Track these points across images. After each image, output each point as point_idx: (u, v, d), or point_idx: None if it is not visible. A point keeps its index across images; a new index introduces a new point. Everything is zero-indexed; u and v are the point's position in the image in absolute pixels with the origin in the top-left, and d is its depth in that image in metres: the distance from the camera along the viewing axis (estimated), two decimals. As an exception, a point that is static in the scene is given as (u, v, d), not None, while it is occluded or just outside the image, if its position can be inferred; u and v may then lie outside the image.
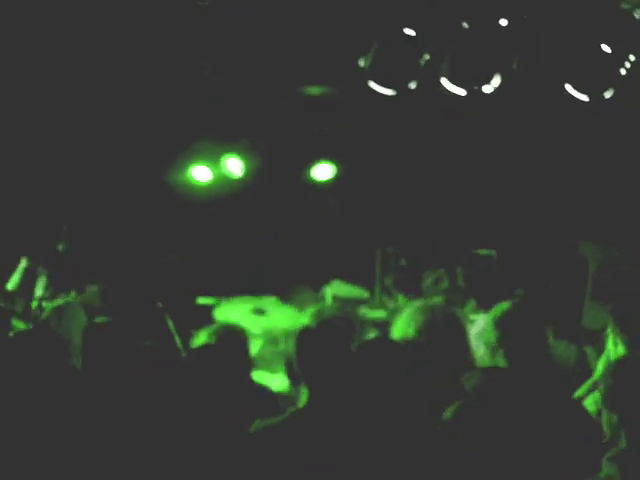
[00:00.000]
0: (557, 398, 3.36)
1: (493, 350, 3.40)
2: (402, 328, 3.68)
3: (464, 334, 3.67)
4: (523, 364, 3.34)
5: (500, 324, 3.42)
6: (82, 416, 3.63)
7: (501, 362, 3.37)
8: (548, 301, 6.21)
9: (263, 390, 4.18)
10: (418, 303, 3.84)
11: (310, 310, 4.55)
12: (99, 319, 4.26)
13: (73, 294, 5.06)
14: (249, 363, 4.31)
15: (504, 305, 3.53)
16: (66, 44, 5.94)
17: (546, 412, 3.23)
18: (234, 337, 4.20)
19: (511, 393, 3.27)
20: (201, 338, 4.24)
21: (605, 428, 2.58)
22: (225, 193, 7.71)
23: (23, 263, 5.20)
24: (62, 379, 4.00)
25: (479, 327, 3.81)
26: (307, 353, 3.35)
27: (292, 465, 3.02)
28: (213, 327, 4.40)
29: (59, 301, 4.69)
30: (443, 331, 3.60)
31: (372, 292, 8.04)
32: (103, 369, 3.84)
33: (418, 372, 3.19)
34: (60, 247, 5.42)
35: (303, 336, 3.43)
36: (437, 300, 6.45)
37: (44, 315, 4.68)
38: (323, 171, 7.81)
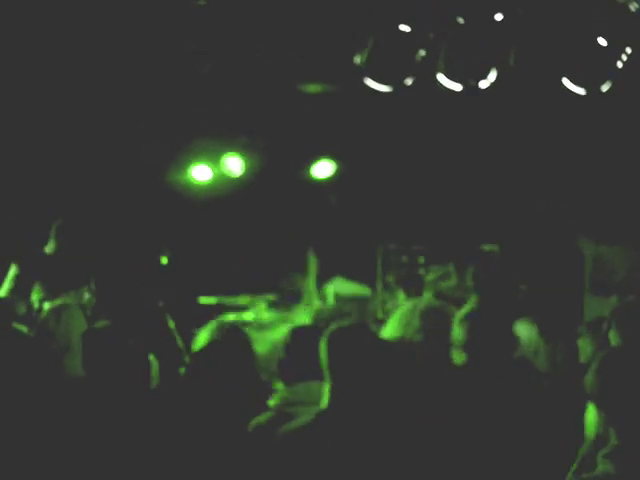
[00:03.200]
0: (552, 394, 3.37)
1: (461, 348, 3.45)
2: (397, 328, 3.69)
3: None
4: (495, 362, 3.37)
5: (465, 323, 3.46)
6: (83, 420, 3.64)
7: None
8: (548, 294, 6.19)
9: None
10: (410, 304, 3.85)
11: (309, 310, 4.55)
12: (99, 323, 4.26)
13: (72, 294, 5.04)
14: (252, 359, 4.27)
15: (470, 303, 3.56)
16: (63, 43, 5.94)
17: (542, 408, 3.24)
18: (237, 334, 4.18)
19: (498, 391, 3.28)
20: (203, 336, 4.22)
21: (591, 423, 2.55)
22: (225, 192, 7.70)
23: (13, 270, 5.15)
24: (59, 383, 4.02)
25: None
26: (295, 354, 3.34)
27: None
28: (214, 324, 4.35)
29: (57, 302, 4.69)
30: (437, 332, 3.62)
31: (374, 289, 8.04)
32: (103, 374, 3.85)
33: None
34: (49, 249, 5.38)
35: (294, 336, 3.43)
36: (428, 297, 6.41)
37: (42, 316, 4.69)
38: (323, 169, 7.79)
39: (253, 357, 3.94)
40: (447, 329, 3.63)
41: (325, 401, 3.05)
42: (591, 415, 2.58)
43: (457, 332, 3.44)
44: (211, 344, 3.94)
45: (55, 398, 3.89)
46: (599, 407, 2.51)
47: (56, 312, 4.58)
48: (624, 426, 2.41)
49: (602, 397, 2.48)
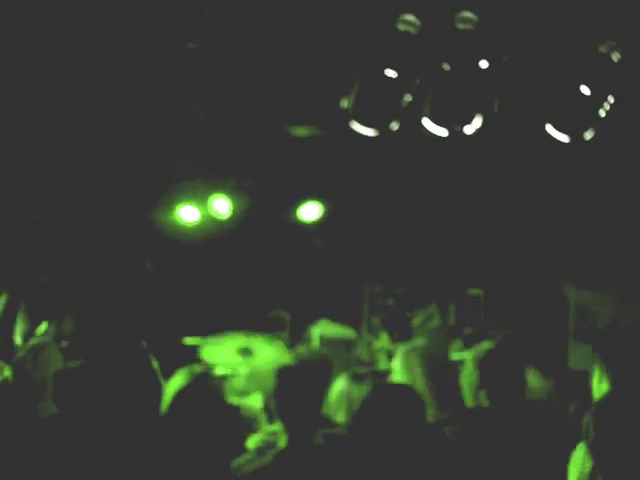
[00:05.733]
0: (535, 439, 3.36)
1: (476, 390, 3.44)
2: (403, 373, 3.82)
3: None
4: (504, 404, 3.32)
5: (481, 364, 3.41)
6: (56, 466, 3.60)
7: (484, 402, 3.38)
8: (533, 341, 6.19)
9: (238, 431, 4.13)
10: (410, 347, 3.95)
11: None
12: (73, 363, 4.21)
13: (49, 329, 4.98)
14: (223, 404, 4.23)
15: (485, 345, 3.54)
16: (52, 84, 5.98)
17: (524, 454, 3.22)
18: (206, 380, 4.14)
19: (493, 434, 3.27)
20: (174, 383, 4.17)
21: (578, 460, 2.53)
22: (212, 233, 7.70)
23: (2, 299, 5.13)
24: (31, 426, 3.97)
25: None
26: (284, 392, 3.37)
27: None
28: (187, 369, 4.32)
29: (34, 340, 4.64)
30: (444, 377, 3.72)
31: (359, 332, 8.02)
32: (76, 415, 3.80)
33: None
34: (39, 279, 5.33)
35: (281, 376, 3.45)
36: (422, 341, 6.43)
37: (20, 354, 4.65)
38: (310, 211, 7.81)
39: (223, 402, 3.92)
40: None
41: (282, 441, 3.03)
42: (580, 453, 2.56)
43: (472, 374, 3.45)
44: (179, 392, 3.91)
45: (28, 441, 3.83)
46: (591, 451, 2.48)
47: (33, 351, 4.53)
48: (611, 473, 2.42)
49: (595, 442, 2.48)
